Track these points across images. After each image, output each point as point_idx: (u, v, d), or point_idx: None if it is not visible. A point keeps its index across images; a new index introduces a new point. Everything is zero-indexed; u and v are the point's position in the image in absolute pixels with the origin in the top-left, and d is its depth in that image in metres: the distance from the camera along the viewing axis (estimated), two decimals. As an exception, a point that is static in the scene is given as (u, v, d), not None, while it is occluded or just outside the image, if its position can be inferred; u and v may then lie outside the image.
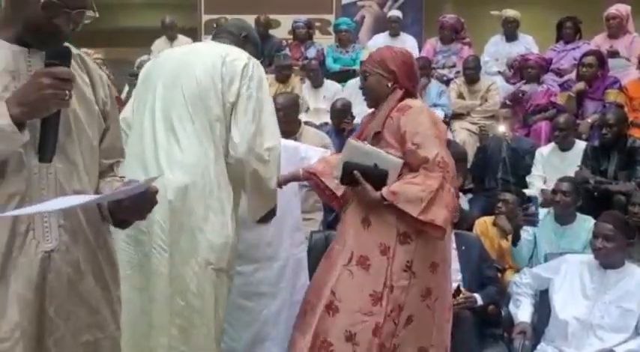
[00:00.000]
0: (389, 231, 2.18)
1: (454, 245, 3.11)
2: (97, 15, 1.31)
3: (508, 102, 4.98)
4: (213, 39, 2.28)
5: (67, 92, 1.20)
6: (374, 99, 2.30)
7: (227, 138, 2.03)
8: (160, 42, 6.46)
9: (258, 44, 2.37)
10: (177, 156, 1.98)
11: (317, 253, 3.40)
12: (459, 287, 2.85)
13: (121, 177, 1.49)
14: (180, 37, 6.49)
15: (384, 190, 2.14)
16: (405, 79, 2.26)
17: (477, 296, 2.91)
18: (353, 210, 2.28)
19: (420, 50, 5.96)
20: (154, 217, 1.84)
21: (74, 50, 1.36)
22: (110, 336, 1.44)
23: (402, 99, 2.23)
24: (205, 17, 6.97)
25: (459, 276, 3.05)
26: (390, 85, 2.24)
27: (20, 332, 1.26)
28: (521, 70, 5.20)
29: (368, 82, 2.32)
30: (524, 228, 3.25)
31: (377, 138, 2.23)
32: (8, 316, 1.25)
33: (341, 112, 4.41)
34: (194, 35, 6.85)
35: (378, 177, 2.15)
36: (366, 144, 2.22)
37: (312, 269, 2.59)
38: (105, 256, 1.43)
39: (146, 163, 2.00)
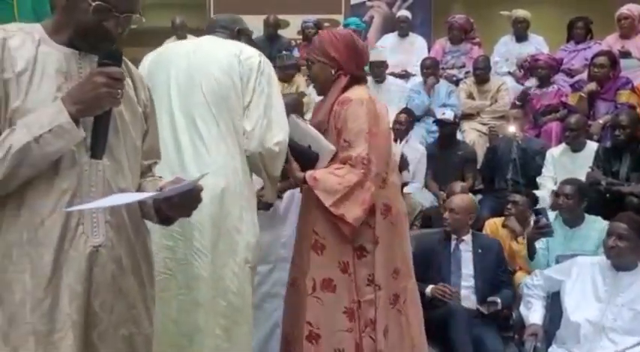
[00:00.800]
0: (345, 248, 2.17)
1: (469, 247, 3.08)
2: (144, 20, 1.36)
3: (517, 102, 4.95)
4: (209, 34, 2.26)
5: (119, 91, 1.27)
6: (320, 87, 2.27)
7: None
8: (170, 42, 6.46)
9: (251, 36, 2.37)
10: (206, 158, 1.99)
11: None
12: (478, 309, 2.86)
13: (159, 177, 1.54)
14: (190, 37, 6.49)
15: (308, 173, 2.14)
16: (349, 63, 2.20)
17: (498, 300, 2.89)
18: (304, 233, 2.26)
19: (429, 50, 5.95)
20: (191, 222, 1.86)
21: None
22: (144, 332, 1.47)
23: (347, 86, 2.19)
24: (215, 18, 6.98)
25: (471, 283, 3.02)
26: (333, 72, 2.19)
27: (71, 323, 1.31)
28: (532, 70, 5.17)
29: (312, 71, 2.29)
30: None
31: (321, 130, 2.22)
32: (60, 307, 1.30)
33: None
34: (203, 35, 6.86)
35: (307, 159, 2.16)
36: (307, 123, 2.22)
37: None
38: (142, 254, 1.47)
39: (170, 164, 1.97)
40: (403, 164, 2.56)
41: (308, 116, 5.36)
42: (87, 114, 1.27)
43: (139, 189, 1.47)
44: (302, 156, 2.16)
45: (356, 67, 2.22)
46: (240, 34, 2.25)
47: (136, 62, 1.71)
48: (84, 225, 1.33)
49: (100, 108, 1.27)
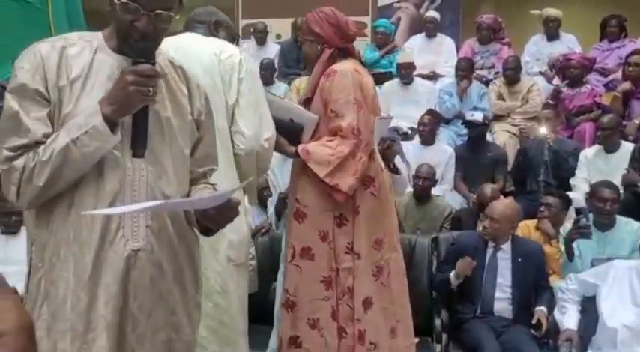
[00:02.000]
0: (325, 217, 2.20)
1: (508, 255, 2.94)
2: (177, 17, 1.35)
3: (550, 101, 4.86)
4: (189, 31, 2.25)
5: (150, 88, 1.26)
6: (311, 65, 2.32)
7: (231, 133, 2.06)
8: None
9: (230, 25, 2.35)
10: None
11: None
12: (539, 321, 2.80)
13: (212, 185, 1.54)
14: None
15: (300, 147, 2.18)
16: (333, 37, 2.26)
17: (544, 309, 2.84)
18: (290, 202, 2.33)
19: (457, 51, 5.89)
20: None
21: (177, 62, 1.47)
22: (184, 339, 1.47)
23: (332, 59, 2.24)
24: (243, 22, 7.04)
25: (508, 293, 2.91)
26: (319, 47, 2.26)
27: (105, 324, 1.33)
28: (564, 70, 5.06)
29: (303, 51, 2.39)
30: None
31: (307, 104, 2.26)
32: (97, 307, 1.33)
33: None
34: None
35: (292, 132, 2.19)
36: (283, 98, 2.26)
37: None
38: (186, 260, 1.47)
39: None
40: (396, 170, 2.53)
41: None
42: (122, 114, 1.29)
43: (189, 196, 1.48)
44: (286, 130, 2.19)
45: (340, 39, 2.27)
46: (217, 27, 2.24)
47: None
48: (124, 229, 1.35)
49: (132, 106, 1.28)
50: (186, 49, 2.07)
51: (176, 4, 1.36)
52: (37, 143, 1.29)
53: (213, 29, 2.22)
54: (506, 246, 2.96)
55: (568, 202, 3.66)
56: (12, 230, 3.42)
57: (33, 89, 1.30)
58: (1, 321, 0.49)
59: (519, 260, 2.92)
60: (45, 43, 1.37)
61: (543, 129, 4.19)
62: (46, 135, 1.29)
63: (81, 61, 1.35)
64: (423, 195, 3.90)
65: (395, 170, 2.49)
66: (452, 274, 2.91)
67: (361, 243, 2.20)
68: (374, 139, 2.27)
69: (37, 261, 1.37)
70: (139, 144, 1.32)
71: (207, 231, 1.47)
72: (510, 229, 2.96)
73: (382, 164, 2.31)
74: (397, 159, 2.56)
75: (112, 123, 1.28)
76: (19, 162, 1.28)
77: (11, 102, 1.30)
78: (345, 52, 2.29)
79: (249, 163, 2.08)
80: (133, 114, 1.30)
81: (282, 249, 2.55)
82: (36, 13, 6.55)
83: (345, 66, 2.21)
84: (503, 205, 3.02)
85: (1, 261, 3.30)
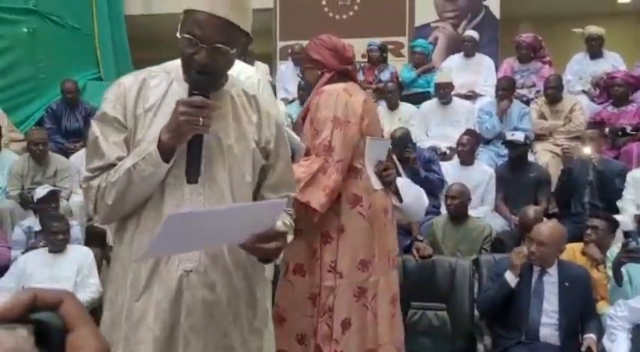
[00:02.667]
0: (315, 234, 2.20)
1: (555, 280, 2.86)
2: (234, 51, 1.39)
3: (594, 121, 4.73)
4: None
5: (200, 118, 1.31)
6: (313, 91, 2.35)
7: None
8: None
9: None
10: None
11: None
12: (589, 349, 2.70)
13: (289, 210, 1.59)
14: (257, 63, 6.67)
15: None
16: (331, 61, 2.29)
17: (594, 337, 2.74)
18: None
19: (496, 70, 5.82)
20: None
21: (250, 92, 1.53)
22: None
23: (332, 82, 2.26)
24: (280, 44, 7.13)
25: (554, 319, 2.82)
26: (319, 73, 2.30)
27: (152, 338, 1.38)
28: (608, 88, 4.94)
29: (305, 78, 2.44)
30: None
31: (302, 125, 2.29)
32: (146, 321, 1.39)
33: (400, 141, 4.35)
34: (269, 61, 7.03)
35: None
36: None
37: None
38: (244, 285, 1.49)
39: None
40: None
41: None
42: (175, 142, 1.35)
43: None
44: None
45: (339, 62, 2.30)
46: (243, 53, 2.28)
47: None
48: None
49: (183, 135, 1.34)
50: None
51: (236, 40, 1.40)
52: (112, 165, 1.39)
53: (240, 55, 2.27)
54: (553, 270, 2.87)
55: (615, 225, 3.53)
56: (58, 248, 3.51)
57: (112, 117, 1.42)
58: (81, 349, 0.50)
59: (566, 284, 2.82)
60: (130, 75, 1.49)
61: (587, 149, 4.07)
62: (120, 159, 1.39)
63: (157, 91, 1.45)
64: (458, 214, 3.82)
65: (397, 194, 2.43)
66: (507, 273, 2.83)
67: (344, 262, 2.18)
68: (362, 160, 2.25)
69: (110, 272, 1.50)
70: (192, 171, 1.36)
71: (265, 260, 1.48)
72: (557, 252, 2.87)
73: (376, 185, 2.28)
74: (406, 185, 2.51)
75: (167, 151, 1.35)
76: (94, 182, 1.40)
77: (94, 128, 1.43)
78: (345, 74, 2.31)
79: None
80: (188, 142, 1.35)
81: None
82: (83, 39, 6.84)
83: (334, 86, 2.24)
84: (549, 228, 2.92)
85: (49, 278, 3.38)
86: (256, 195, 1.54)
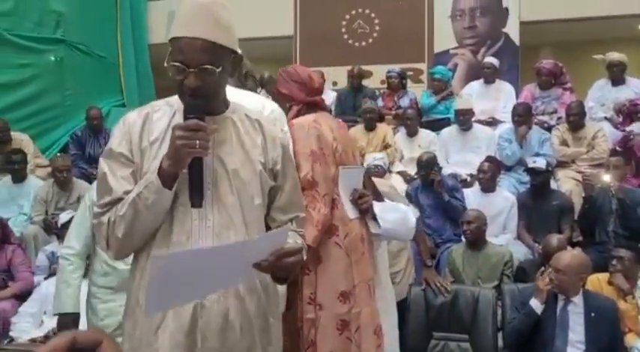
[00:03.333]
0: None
1: (580, 309, 2.81)
2: (220, 69, 1.40)
3: (618, 148, 4.67)
4: None
5: (197, 141, 1.32)
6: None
7: None
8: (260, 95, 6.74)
9: (255, 75, 2.42)
10: None
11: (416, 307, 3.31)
12: None
13: (299, 231, 1.59)
14: (278, 90, 6.74)
15: None
16: (298, 94, 2.29)
17: None
18: None
19: (517, 97, 5.80)
20: None
21: (253, 115, 1.54)
22: None
23: (301, 114, 2.26)
24: (300, 70, 7.22)
25: (581, 350, 2.75)
26: (288, 105, 2.30)
27: None
28: (631, 115, 4.89)
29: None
30: None
31: None
32: (160, 350, 1.40)
33: (426, 165, 4.35)
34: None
35: None
36: None
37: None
38: (257, 311, 1.48)
39: None
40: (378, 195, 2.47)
41: (396, 166, 5.35)
42: (176, 168, 1.35)
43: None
44: None
45: (306, 94, 2.30)
46: (247, 77, 2.29)
47: None
48: None
49: (181, 160, 1.35)
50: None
51: (221, 59, 1.40)
52: (120, 200, 1.40)
53: (244, 80, 2.29)
54: (578, 300, 2.82)
55: (641, 255, 3.45)
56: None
57: (118, 152, 1.45)
58: None
59: (592, 315, 2.76)
60: (133, 112, 1.51)
61: (607, 177, 4.00)
62: (127, 192, 1.40)
63: (161, 124, 1.47)
64: (475, 240, 3.77)
65: (376, 220, 2.38)
66: (532, 300, 2.78)
67: (323, 293, 2.14)
68: (337, 189, 2.23)
69: (126, 306, 1.50)
70: (195, 195, 1.37)
71: (280, 279, 1.49)
72: (579, 281, 2.82)
73: (351, 214, 2.25)
74: (387, 209, 2.46)
75: (169, 178, 1.35)
76: (105, 218, 1.41)
77: (102, 165, 1.46)
78: (314, 105, 2.31)
79: None
80: (188, 166, 1.36)
81: None
82: (108, 67, 7.00)
83: (303, 119, 2.23)
84: (569, 256, 2.91)
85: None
86: (266, 217, 1.55)
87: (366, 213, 2.31)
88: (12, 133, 5.42)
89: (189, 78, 1.37)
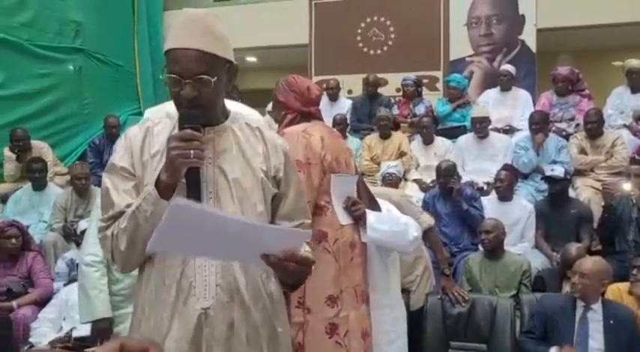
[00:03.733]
0: None
1: (599, 317, 2.82)
2: (215, 79, 1.39)
3: (637, 156, 4.61)
4: None
5: (191, 151, 1.31)
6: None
7: None
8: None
9: (237, 86, 2.43)
10: None
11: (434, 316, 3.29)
12: None
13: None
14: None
15: None
16: (294, 103, 2.32)
17: None
18: None
19: (534, 104, 5.76)
20: None
21: (254, 123, 1.55)
22: None
23: (295, 123, 2.29)
24: (315, 78, 7.23)
25: None
26: (283, 113, 2.34)
27: None
28: (651, 122, 4.83)
29: (272, 118, 2.47)
30: None
31: None
32: None
33: (446, 173, 4.33)
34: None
35: None
36: None
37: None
38: (263, 320, 1.47)
39: None
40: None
41: (412, 174, 5.33)
42: (172, 179, 1.35)
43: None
44: None
45: (301, 104, 2.33)
46: (233, 89, 2.32)
47: None
48: (196, 288, 1.40)
49: (177, 170, 1.34)
50: None
51: (216, 68, 1.40)
52: (123, 213, 1.41)
53: (231, 91, 2.29)
54: (597, 307, 2.83)
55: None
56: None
57: (120, 166, 1.46)
58: None
59: (611, 322, 2.77)
60: (135, 126, 1.53)
61: (627, 186, 3.95)
62: (129, 206, 1.40)
63: (162, 137, 1.47)
64: (493, 249, 3.74)
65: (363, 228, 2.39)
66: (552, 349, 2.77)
67: (312, 297, 2.16)
68: (327, 197, 2.25)
69: (133, 319, 1.49)
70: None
71: (291, 286, 1.48)
72: (600, 287, 2.85)
73: (343, 221, 2.27)
74: (383, 218, 2.45)
75: (166, 189, 1.35)
76: (108, 232, 1.42)
77: (105, 180, 1.47)
78: (309, 115, 2.34)
79: None
80: (185, 176, 1.35)
81: None
82: (125, 75, 7.08)
83: (294, 128, 2.26)
84: (592, 261, 2.97)
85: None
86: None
87: (359, 220, 2.34)
88: (32, 142, 5.49)
89: (185, 89, 1.38)
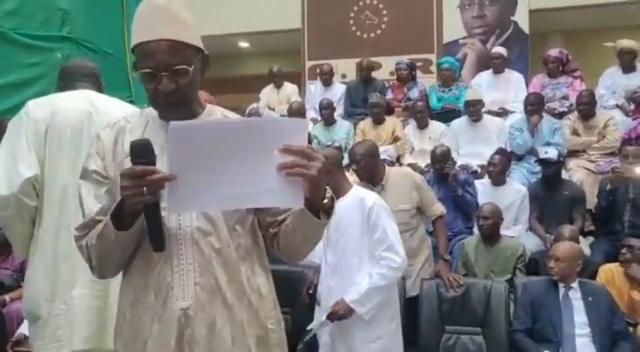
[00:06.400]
0: None
1: (579, 295, 2.98)
2: (192, 68, 1.34)
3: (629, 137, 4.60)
4: (74, 82, 2.28)
5: (144, 188, 1.21)
6: None
7: None
8: (268, 89, 6.74)
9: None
10: None
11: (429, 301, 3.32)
12: None
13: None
14: (286, 84, 6.72)
15: None
16: None
17: None
18: None
19: (527, 86, 5.74)
20: None
21: (232, 116, 1.47)
22: None
23: None
24: (309, 63, 7.19)
25: (587, 330, 2.90)
26: None
27: None
28: (642, 102, 4.83)
29: None
30: None
31: None
32: None
33: (441, 158, 4.32)
34: (298, 80, 7.09)
35: None
36: None
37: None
38: (250, 318, 1.41)
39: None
40: None
41: (406, 159, 5.33)
42: (130, 213, 1.27)
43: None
44: None
45: None
46: (99, 80, 2.31)
47: (238, 110, 1.69)
48: (174, 288, 1.35)
49: (131, 207, 1.26)
50: (97, 109, 2.17)
51: (191, 58, 1.34)
52: (96, 221, 1.35)
53: (99, 84, 2.29)
54: (576, 286, 3.06)
55: (657, 245, 3.42)
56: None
57: (91, 170, 1.42)
58: None
59: (590, 299, 2.99)
60: (106, 128, 1.47)
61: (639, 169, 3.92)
62: (102, 210, 1.36)
63: (136, 133, 1.41)
64: (490, 235, 3.75)
65: None
66: None
67: None
68: None
69: (116, 326, 1.44)
70: (154, 241, 1.29)
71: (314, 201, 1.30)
72: (576, 267, 3.08)
73: None
74: None
75: (124, 223, 1.28)
76: (83, 242, 1.38)
77: (79, 186, 1.43)
78: None
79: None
80: (144, 212, 1.27)
81: None
82: (115, 63, 6.99)
83: None
84: (563, 246, 3.18)
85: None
86: (259, 224, 1.47)
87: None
88: (22, 132, 5.43)
89: (162, 82, 1.31)
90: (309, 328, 2.65)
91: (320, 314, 2.66)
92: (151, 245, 1.30)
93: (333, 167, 2.55)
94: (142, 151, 1.23)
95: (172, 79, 1.31)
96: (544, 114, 4.99)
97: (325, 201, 1.33)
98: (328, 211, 1.34)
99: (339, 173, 2.67)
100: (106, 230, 1.30)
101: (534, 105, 4.88)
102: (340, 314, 2.50)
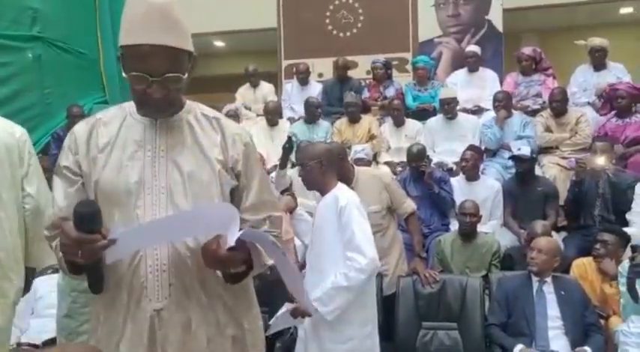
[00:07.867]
0: None
1: (552, 289, 3.02)
2: (185, 76, 1.34)
3: (599, 134, 4.68)
4: None
5: (78, 252, 1.22)
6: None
7: None
8: (244, 89, 6.71)
9: None
10: None
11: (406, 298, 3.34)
12: None
13: (273, 231, 1.46)
14: (263, 83, 6.70)
15: None
16: None
17: (588, 349, 2.73)
18: None
19: (501, 84, 5.81)
20: None
21: (211, 114, 1.46)
22: None
23: None
24: (285, 62, 7.18)
25: (559, 323, 2.96)
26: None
27: None
28: (611, 100, 4.92)
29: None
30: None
31: None
32: None
33: (417, 157, 4.35)
34: (274, 80, 7.07)
35: None
36: None
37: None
38: (225, 319, 1.40)
39: None
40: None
41: (383, 157, 5.35)
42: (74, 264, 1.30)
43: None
44: None
45: None
46: None
47: (215, 109, 1.68)
48: (147, 289, 1.34)
49: (70, 262, 1.29)
50: None
51: (184, 63, 1.34)
52: (63, 219, 1.33)
53: None
54: (549, 280, 3.10)
55: (627, 239, 3.49)
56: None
57: (64, 166, 1.41)
58: None
59: (562, 293, 3.04)
60: (81, 122, 1.47)
61: (602, 160, 4.00)
62: (69, 206, 1.33)
63: (111, 128, 1.41)
64: (469, 232, 3.79)
65: None
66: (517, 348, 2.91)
67: None
68: None
69: (90, 325, 1.46)
70: (91, 285, 1.33)
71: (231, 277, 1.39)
72: (554, 262, 3.12)
73: None
74: None
75: (72, 270, 1.33)
76: (53, 244, 1.37)
77: (53, 183, 1.43)
78: None
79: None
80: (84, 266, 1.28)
81: None
82: (88, 63, 6.88)
83: None
84: (547, 240, 3.25)
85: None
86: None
87: None
88: (-8, 134, 5.32)
89: (153, 88, 1.30)
90: (269, 323, 2.62)
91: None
92: (89, 287, 1.33)
93: (327, 164, 2.62)
94: (85, 221, 1.22)
95: (164, 85, 1.31)
96: (516, 111, 5.07)
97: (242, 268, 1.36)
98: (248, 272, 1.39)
99: (329, 171, 2.64)
100: (61, 261, 1.32)
101: (501, 102, 5.00)
102: (301, 310, 2.48)
